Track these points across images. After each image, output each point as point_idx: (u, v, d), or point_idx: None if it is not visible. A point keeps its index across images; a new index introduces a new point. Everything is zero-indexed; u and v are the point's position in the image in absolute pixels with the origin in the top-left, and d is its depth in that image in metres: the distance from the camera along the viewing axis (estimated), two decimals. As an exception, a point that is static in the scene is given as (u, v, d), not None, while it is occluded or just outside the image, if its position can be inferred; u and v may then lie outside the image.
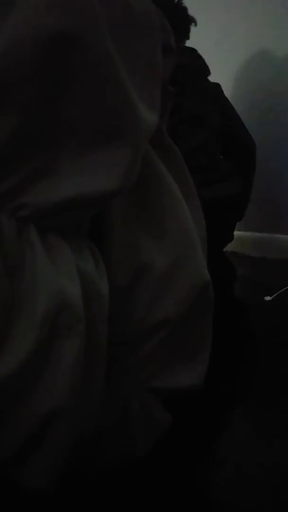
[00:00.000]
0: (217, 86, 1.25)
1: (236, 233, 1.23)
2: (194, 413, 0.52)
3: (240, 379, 0.64)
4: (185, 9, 1.18)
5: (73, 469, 0.37)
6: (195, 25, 1.22)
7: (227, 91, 1.27)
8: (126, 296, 0.40)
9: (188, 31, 1.24)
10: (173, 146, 0.47)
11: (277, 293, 0.91)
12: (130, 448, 0.41)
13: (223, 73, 1.30)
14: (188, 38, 1.25)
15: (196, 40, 1.19)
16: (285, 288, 0.91)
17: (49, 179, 0.31)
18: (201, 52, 1.23)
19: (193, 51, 1.23)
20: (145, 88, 0.35)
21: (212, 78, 1.22)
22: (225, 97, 1.26)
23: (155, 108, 0.36)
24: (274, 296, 0.91)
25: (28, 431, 0.30)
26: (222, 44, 1.36)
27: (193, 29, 1.21)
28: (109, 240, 0.40)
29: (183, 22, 1.22)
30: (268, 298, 0.91)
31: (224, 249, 1.23)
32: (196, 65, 1.22)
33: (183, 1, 1.18)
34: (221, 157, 1.20)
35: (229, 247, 1.25)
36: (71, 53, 0.30)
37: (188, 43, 1.22)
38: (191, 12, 1.17)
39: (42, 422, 0.29)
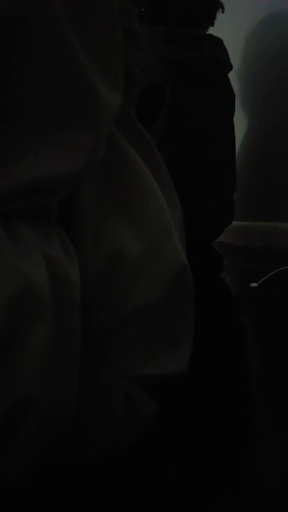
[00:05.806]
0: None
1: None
2: (181, 400, 0.52)
3: (228, 364, 0.64)
4: None
5: (55, 461, 0.36)
6: (222, 11, 1.10)
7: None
8: (100, 283, 0.39)
9: (213, 17, 1.11)
10: (143, 131, 0.46)
11: (262, 279, 0.92)
12: (114, 439, 0.40)
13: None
14: (212, 24, 1.12)
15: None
16: (269, 275, 0.92)
17: (5, 165, 0.30)
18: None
19: (218, 41, 1.10)
20: (105, 69, 0.34)
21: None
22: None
23: (117, 89, 0.35)
24: (259, 282, 0.92)
25: None
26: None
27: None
28: (80, 227, 0.39)
29: (207, 6, 1.10)
30: (254, 284, 0.92)
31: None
32: (221, 59, 1.10)
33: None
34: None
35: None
36: (18, 33, 0.29)
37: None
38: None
39: (12, 413, 0.29)
